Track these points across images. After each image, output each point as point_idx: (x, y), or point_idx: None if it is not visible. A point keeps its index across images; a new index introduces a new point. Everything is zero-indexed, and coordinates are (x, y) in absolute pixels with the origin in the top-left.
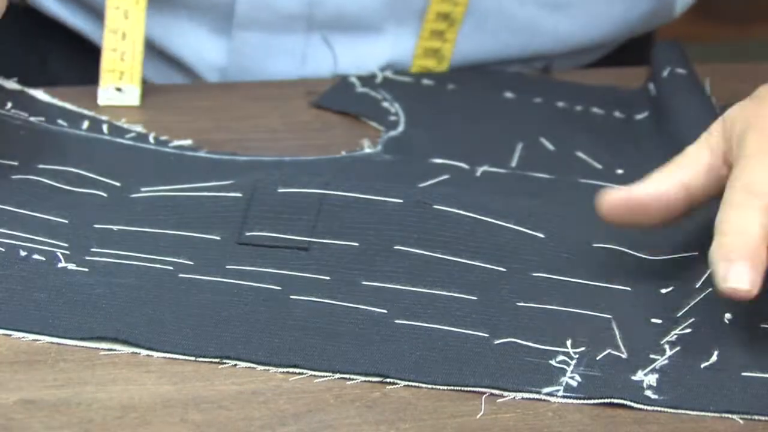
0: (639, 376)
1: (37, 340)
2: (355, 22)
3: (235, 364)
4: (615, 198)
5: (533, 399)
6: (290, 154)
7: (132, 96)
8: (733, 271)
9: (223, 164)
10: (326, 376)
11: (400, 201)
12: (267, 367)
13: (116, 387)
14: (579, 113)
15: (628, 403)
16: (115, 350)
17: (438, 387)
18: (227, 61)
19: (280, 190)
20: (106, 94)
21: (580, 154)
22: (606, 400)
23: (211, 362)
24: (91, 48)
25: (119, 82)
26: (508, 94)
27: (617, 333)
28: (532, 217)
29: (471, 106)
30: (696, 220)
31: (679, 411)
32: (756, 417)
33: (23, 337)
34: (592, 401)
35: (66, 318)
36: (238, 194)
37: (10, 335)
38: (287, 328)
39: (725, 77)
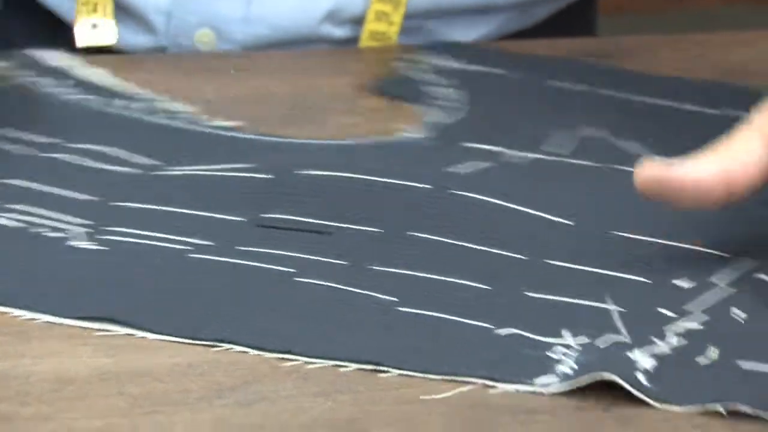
0: (636, 355)
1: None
2: None
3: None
4: (651, 173)
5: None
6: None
7: (108, 32)
8: None
9: (262, 145)
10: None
11: (430, 187)
12: (260, 352)
13: (52, 360)
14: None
15: (616, 379)
16: (108, 330)
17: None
18: (171, 4)
19: (303, 172)
20: (83, 31)
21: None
22: (596, 375)
23: (144, 336)
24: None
25: (94, 16)
26: (558, 83)
27: (621, 324)
28: (560, 202)
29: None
30: (730, 215)
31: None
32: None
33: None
34: (582, 381)
35: (56, 295)
36: (270, 176)
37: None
38: (283, 312)
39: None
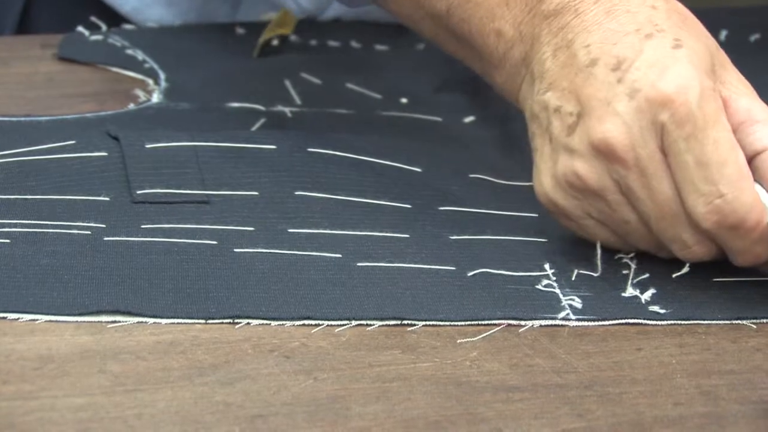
0: (629, 292)
1: None
2: None
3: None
4: None
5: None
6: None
7: None
8: None
9: (38, 126)
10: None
11: (274, 147)
12: (242, 320)
13: (34, 338)
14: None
15: (643, 321)
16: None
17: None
18: None
19: (148, 146)
20: None
21: (351, 86)
22: (622, 321)
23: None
24: None
25: None
26: (240, 31)
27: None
28: (400, 152)
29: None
30: None
31: (677, 323)
32: (762, 320)
33: None
34: (607, 322)
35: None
36: (103, 153)
37: None
38: (254, 281)
39: None
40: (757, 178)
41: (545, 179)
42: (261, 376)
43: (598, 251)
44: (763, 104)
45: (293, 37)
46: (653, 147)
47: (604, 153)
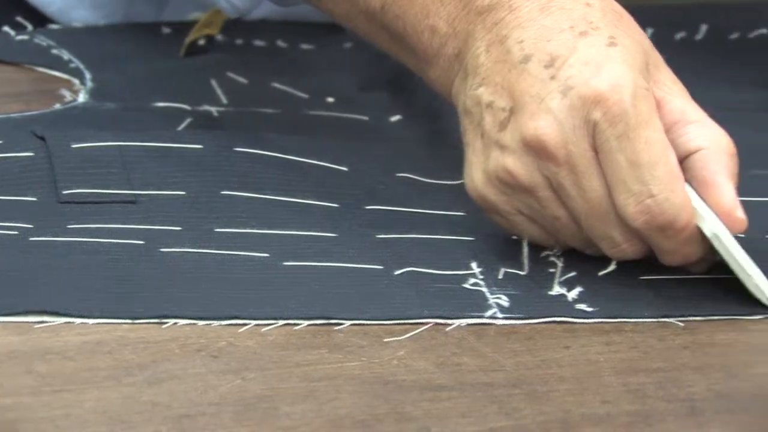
0: (556, 290)
1: None
2: None
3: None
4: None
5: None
6: None
7: None
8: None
9: None
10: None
11: (200, 146)
12: (170, 320)
13: None
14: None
15: (570, 319)
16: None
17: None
18: None
19: (74, 146)
20: None
21: (277, 86)
22: (548, 319)
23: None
24: None
25: None
26: (167, 30)
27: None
28: (327, 151)
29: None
30: None
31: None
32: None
33: None
34: (534, 321)
35: None
36: (29, 153)
37: None
38: (181, 281)
39: None
40: (689, 179)
41: (476, 174)
42: (188, 376)
43: (525, 250)
44: (696, 105)
45: (219, 37)
46: (585, 145)
47: (536, 149)
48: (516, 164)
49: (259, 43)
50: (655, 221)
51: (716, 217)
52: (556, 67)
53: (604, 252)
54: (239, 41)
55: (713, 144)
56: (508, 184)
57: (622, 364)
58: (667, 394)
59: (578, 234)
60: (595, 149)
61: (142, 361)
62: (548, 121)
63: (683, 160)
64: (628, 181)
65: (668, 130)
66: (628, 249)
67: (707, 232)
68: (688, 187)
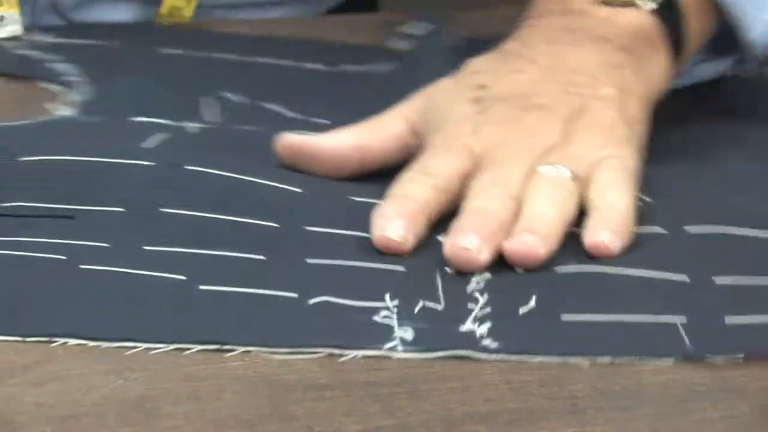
0: (468, 326)
1: None
2: None
3: None
4: (289, 142)
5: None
6: None
7: (15, 23)
8: (391, 225)
9: None
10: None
11: (152, 164)
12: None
13: None
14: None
15: (472, 353)
16: None
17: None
18: None
19: (22, 159)
20: None
21: (272, 106)
22: (449, 352)
23: None
24: None
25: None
26: (168, 50)
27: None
28: (283, 172)
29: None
30: None
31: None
32: (600, 359)
33: None
34: (435, 354)
35: None
36: None
37: None
38: (93, 299)
39: None
40: None
41: None
42: (72, 377)
43: (439, 284)
44: None
45: (231, 57)
46: None
47: None
48: None
49: (263, 60)
50: None
51: None
52: None
53: None
54: (239, 58)
55: None
56: None
57: (505, 362)
58: (550, 392)
59: None
60: None
61: (25, 362)
62: None
63: None
64: None
65: None
66: None
67: None
68: None
